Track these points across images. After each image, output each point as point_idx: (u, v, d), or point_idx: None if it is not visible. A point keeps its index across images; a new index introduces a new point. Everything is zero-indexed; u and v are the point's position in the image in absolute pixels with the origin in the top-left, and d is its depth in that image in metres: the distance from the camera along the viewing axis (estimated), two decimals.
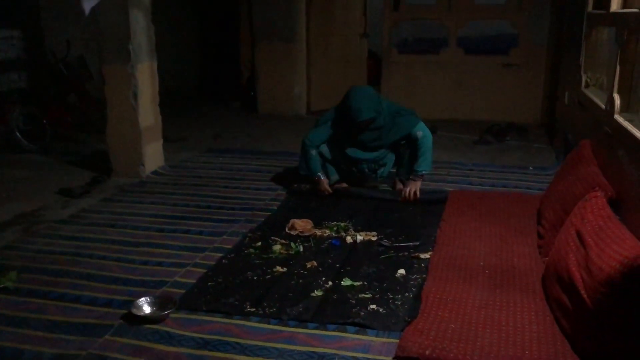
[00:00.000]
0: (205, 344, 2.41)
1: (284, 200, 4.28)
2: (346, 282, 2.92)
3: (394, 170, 4.51)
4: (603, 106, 3.40)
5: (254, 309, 2.66)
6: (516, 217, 3.69)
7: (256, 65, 7.89)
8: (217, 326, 2.54)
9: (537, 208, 3.66)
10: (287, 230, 3.60)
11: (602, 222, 2.40)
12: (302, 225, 3.63)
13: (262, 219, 3.86)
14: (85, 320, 2.61)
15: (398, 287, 2.87)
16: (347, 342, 2.42)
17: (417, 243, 3.40)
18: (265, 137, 6.50)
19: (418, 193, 4.13)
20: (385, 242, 3.42)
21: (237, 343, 2.41)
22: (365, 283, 2.92)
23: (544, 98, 7.00)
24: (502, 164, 5.31)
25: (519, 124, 6.67)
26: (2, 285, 2.91)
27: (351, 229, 3.65)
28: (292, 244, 3.39)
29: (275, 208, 4.11)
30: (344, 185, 4.39)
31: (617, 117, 3.06)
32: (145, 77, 4.87)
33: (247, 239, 3.51)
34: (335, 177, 4.43)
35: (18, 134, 5.77)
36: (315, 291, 2.83)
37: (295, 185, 4.48)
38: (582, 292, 2.19)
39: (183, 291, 2.86)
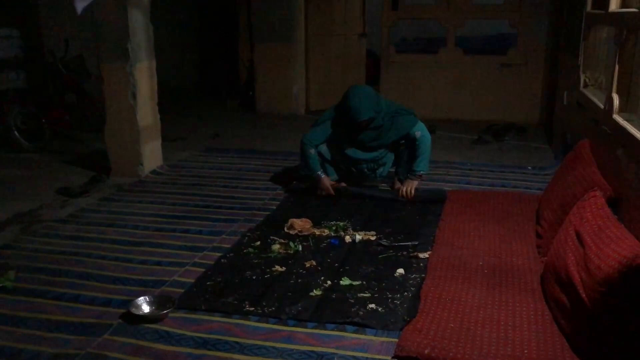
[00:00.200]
0: (204, 343, 2.41)
1: (282, 200, 4.28)
2: (345, 281, 2.92)
3: (393, 169, 4.51)
4: (602, 106, 3.40)
5: (253, 309, 2.66)
6: (515, 217, 3.69)
7: (255, 65, 7.89)
8: (216, 325, 2.54)
9: (535, 208, 3.67)
10: (286, 229, 3.60)
11: (601, 222, 2.40)
12: (301, 224, 3.63)
13: (261, 219, 3.86)
14: (84, 319, 2.61)
15: (397, 287, 2.87)
16: (346, 341, 2.42)
17: (416, 242, 3.40)
18: (264, 136, 6.50)
19: (413, 191, 4.14)
20: (384, 242, 3.42)
21: (236, 342, 2.41)
22: (364, 282, 2.92)
23: (542, 98, 7.01)
24: (500, 163, 5.32)
25: (517, 124, 6.68)
26: (0, 285, 2.90)
27: (350, 229, 3.65)
28: (291, 244, 3.39)
29: (274, 207, 4.11)
30: (343, 184, 4.39)
31: (616, 117, 3.07)
32: (144, 77, 4.86)
33: (246, 238, 3.51)
34: (334, 177, 4.43)
35: (16, 133, 5.76)
36: (314, 290, 2.83)
37: (294, 182, 4.48)
38: (581, 291, 2.19)
39: (182, 290, 2.86)
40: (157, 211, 4.07)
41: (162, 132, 5.23)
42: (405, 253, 3.27)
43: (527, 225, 3.53)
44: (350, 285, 2.89)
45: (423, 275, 2.96)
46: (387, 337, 2.44)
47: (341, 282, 2.92)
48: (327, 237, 3.54)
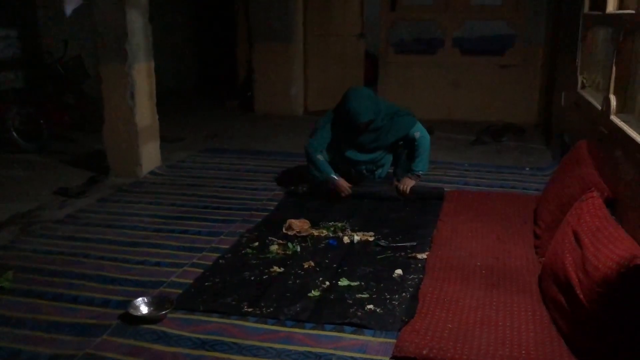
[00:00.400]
0: (202, 344, 2.41)
1: (281, 201, 4.28)
2: (343, 282, 2.92)
3: (391, 170, 4.51)
4: (599, 107, 3.41)
5: (251, 309, 2.66)
6: (513, 218, 3.69)
7: (253, 65, 7.88)
8: (214, 326, 2.55)
9: (533, 208, 3.67)
10: (284, 230, 3.60)
11: (599, 223, 2.40)
12: (299, 225, 3.63)
13: (259, 219, 3.87)
14: (83, 320, 2.61)
15: (395, 287, 2.87)
16: (344, 342, 2.42)
17: (414, 243, 3.40)
18: (262, 137, 6.50)
19: (408, 189, 4.15)
20: (383, 242, 3.43)
21: (235, 343, 2.41)
22: (363, 283, 2.92)
23: (540, 99, 7.02)
24: (498, 164, 5.32)
25: (515, 125, 6.68)
26: None
27: (348, 229, 3.65)
28: (290, 244, 3.39)
29: (273, 208, 4.11)
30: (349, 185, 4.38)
31: (613, 118, 3.07)
32: (143, 77, 4.86)
33: (245, 239, 3.51)
34: None
35: (15, 134, 5.75)
36: (313, 291, 2.83)
37: (292, 187, 4.48)
38: (579, 292, 2.20)
39: (180, 291, 2.86)
40: (155, 212, 4.07)
41: (161, 132, 5.23)
42: (403, 254, 3.28)
43: (524, 225, 3.54)
44: (349, 285, 2.89)
45: (421, 275, 2.96)
46: (385, 337, 2.44)
47: (339, 282, 2.92)
48: (326, 237, 3.54)
